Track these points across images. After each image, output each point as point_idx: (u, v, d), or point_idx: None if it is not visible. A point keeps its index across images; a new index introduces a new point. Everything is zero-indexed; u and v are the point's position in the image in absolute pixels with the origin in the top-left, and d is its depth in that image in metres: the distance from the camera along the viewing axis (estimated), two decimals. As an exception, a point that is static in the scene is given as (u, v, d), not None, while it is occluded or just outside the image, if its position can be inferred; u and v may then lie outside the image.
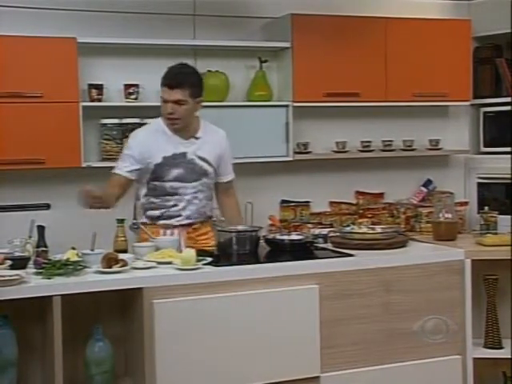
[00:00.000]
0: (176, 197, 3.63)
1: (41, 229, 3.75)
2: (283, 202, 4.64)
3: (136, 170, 3.60)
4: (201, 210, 3.69)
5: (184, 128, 3.61)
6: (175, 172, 3.60)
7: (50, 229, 3.85)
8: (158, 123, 3.66)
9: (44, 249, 3.46)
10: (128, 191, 3.67)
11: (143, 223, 3.66)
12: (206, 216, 3.74)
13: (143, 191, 3.69)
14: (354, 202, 4.79)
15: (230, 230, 3.59)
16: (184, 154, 3.61)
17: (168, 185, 3.61)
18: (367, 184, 4.80)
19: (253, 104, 4.43)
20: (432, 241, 3.92)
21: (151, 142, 3.59)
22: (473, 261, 3.63)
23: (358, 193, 4.81)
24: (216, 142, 3.71)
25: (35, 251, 3.32)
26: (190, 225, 3.67)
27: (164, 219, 3.65)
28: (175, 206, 3.64)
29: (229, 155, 3.78)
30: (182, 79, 3.53)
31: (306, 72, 4.40)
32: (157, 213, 3.66)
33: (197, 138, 3.66)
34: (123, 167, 3.60)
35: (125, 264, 3.11)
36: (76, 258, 3.11)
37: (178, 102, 3.52)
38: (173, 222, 3.64)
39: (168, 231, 3.62)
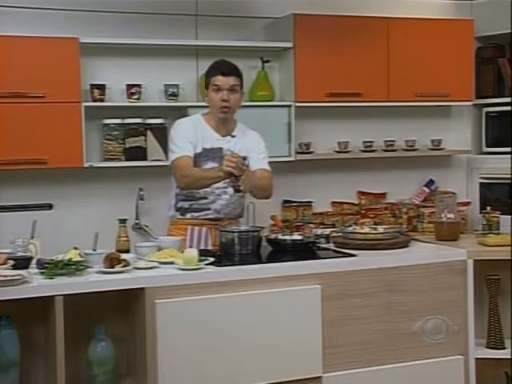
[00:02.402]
0: (206, 189, 3.64)
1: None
2: (285, 202, 4.63)
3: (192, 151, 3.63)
4: (230, 206, 3.71)
5: (226, 122, 3.69)
6: (210, 165, 3.64)
7: (53, 229, 3.85)
8: (198, 118, 3.74)
9: None
10: None
11: (173, 216, 3.73)
12: (237, 214, 3.76)
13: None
14: (356, 202, 4.78)
15: (232, 230, 3.59)
16: (220, 150, 3.67)
17: None
18: (369, 184, 4.79)
19: (255, 104, 4.42)
20: (434, 241, 3.92)
21: (195, 131, 3.65)
22: (475, 261, 3.63)
23: (360, 193, 4.80)
24: (249, 140, 3.77)
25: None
26: (218, 220, 3.68)
27: (192, 211, 3.68)
28: (204, 198, 3.67)
29: (261, 148, 3.78)
30: (234, 67, 3.69)
31: (308, 72, 4.39)
32: (186, 204, 3.70)
33: (233, 136, 3.72)
34: (185, 149, 3.60)
35: (127, 264, 3.12)
36: (78, 258, 3.12)
37: (231, 89, 3.62)
38: (201, 215, 3.66)
39: (196, 228, 3.64)
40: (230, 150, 3.67)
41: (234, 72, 3.67)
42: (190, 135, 3.64)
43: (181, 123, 3.75)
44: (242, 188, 3.44)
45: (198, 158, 3.64)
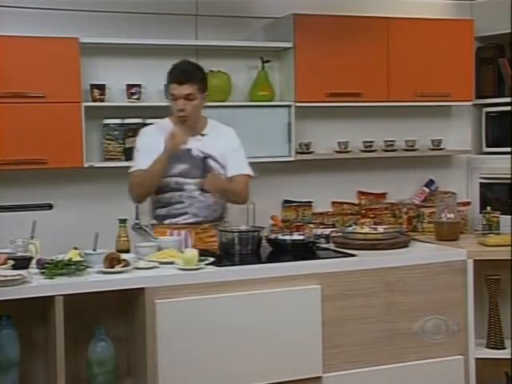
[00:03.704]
0: (180, 193, 3.61)
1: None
2: (285, 202, 4.64)
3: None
4: (209, 209, 3.66)
5: (192, 125, 3.62)
6: (179, 167, 3.59)
7: (53, 229, 3.86)
8: (165, 123, 3.66)
9: None
10: None
11: (152, 224, 3.69)
12: (216, 216, 3.70)
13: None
14: (356, 202, 4.78)
15: (232, 230, 3.59)
16: (189, 150, 3.60)
17: (173, 180, 3.59)
18: (369, 184, 4.80)
19: (255, 104, 4.43)
20: (434, 241, 3.92)
21: (158, 140, 3.56)
22: (475, 261, 3.63)
23: (360, 193, 4.80)
24: (222, 139, 3.69)
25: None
26: (198, 223, 3.64)
27: (170, 217, 3.64)
28: (180, 202, 3.63)
29: (235, 150, 3.70)
30: (190, 74, 3.56)
31: (308, 72, 4.39)
32: (163, 211, 3.66)
33: (202, 135, 3.66)
34: (142, 163, 3.57)
35: (127, 264, 3.12)
36: (78, 258, 3.12)
37: (187, 97, 3.53)
38: (179, 220, 3.63)
39: (175, 232, 3.60)
40: (199, 149, 3.61)
41: (191, 79, 3.53)
42: (153, 145, 3.54)
43: (144, 133, 3.70)
44: (206, 188, 3.45)
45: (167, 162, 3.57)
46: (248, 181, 3.69)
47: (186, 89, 3.52)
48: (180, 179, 3.60)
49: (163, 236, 3.58)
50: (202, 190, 3.55)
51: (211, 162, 3.64)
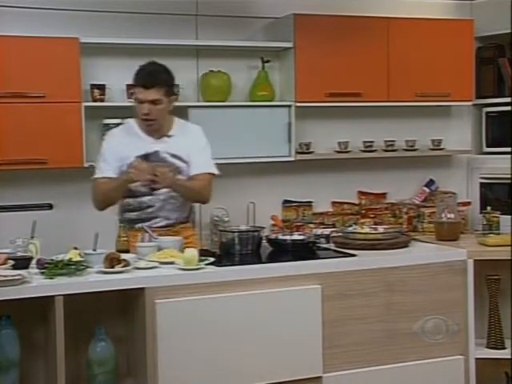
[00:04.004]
0: (150, 197, 3.57)
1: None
2: (285, 202, 4.63)
3: (116, 170, 3.53)
4: (179, 210, 3.63)
5: (158, 128, 3.57)
6: None
7: (53, 229, 3.85)
8: (130, 124, 3.63)
9: None
10: None
11: (123, 227, 3.56)
12: (186, 216, 3.68)
13: None
14: (357, 202, 4.78)
15: (232, 230, 3.59)
16: (156, 153, 3.56)
17: (142, 184, 3.52)
18: (369, 184, 4.79)
19: (255, 104, 4.43)
20: (434, 241, 3.93)
21: (125, 143, 3.55)
22: (475, 261, 3.63)
23: (361, 193, 4.80)
24: (189, 137, 3.63)
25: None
26: (170, 226, 3.60)
27: (141, 221, 3.58)
28: (150, 206, 3.59)
29: (200, 148, 3.62)
30: (157, 78, 3.47)
31: (309, 72, 4.39)
32: (133, 215, 3.60)
33: (169, 137, 3.60)
34: (106, 170, 3.54)
35: (127, 264, 3.12)
36: (78, 258, 3.12)
37: (153, 102, 3.46)
38: (151, 224, 3.57)
39: (146, 235, 3.47)
40: (166, 151, 3.56)
41: (157, 84, 3.44)
42: (118, 150, 3.51)
43: (110, 137, 3.63)
44: (157, 186, 3.42)
45: None
46: (211, 179, 3.60)
47: (151, 94, 3.45)
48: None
49: (135, 239, 3.48)
50: (152, 189, 3.50)
51: (179, 163, 3.58)
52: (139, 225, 3.57)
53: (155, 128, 3.55)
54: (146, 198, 3.58)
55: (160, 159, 3.54)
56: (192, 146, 3.61)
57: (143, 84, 3.46)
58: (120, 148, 3.54)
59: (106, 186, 3.52)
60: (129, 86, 4.17)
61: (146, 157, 3.52)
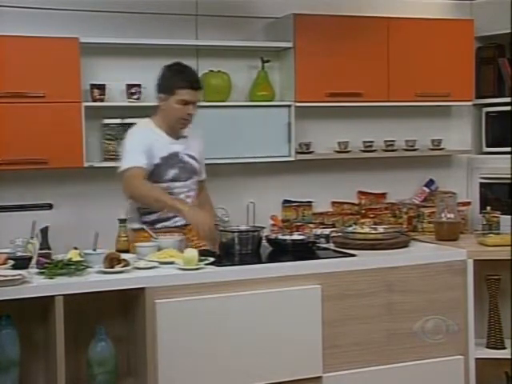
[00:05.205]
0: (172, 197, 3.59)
1: (44, 231, 3.74)
2: (285, 202, 4.63)
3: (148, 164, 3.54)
4: None
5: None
6: (171, 172, 3.59)
7: (53, 229, 3.85)
8: (148, 125, 3.64)
9: (48, 251, 3.43)
10: None
11: (138, 229, 3.58)
12: None
13: None
14: (357, 202, 4.78)
15: (232, 230, 3.59)
16: (177, 154, 3.62)
17: (165, 185, 3.57)
18: (369, 184, 4.79)
19: (255, 104, 4.43)
20: (434, 241, 3.93)
21: (150, 142, 3.56)
22: (475, 261, 3.63)
23: (361, 193, 4.80)
24: (198, 140, 3.74)
25: (38, 253, 3.30)
26: (187, 225, 3.61)
27: (161, 221, 3.60)
28: None
29: (203, 154, 3.79)
30: (200, 80, 3.67)
31: (309, 72, 4.39)
32: (153, 216, 3.61)
33: (184, 137, 3.67)
34: (138, 160, 3.49)
35: (127, 264, 3.12)
36: (78, 258, 3.12)
37: (195, 103, 3.58)
38: (170, 223, 3.60)
39: (168, 235, 3.52)
40: (184, 152, 3.63)
41: (202, 85, 3.67)
42: (145, 146, 3.52)
43: (134, 134, 3.62)
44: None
45: (160, 168, 3.56)
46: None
47: (197, 95, 3.59)
48: (171, 184, 3.59)
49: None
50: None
51: (194, 164, 3.69)
52: (159, 225, 3.60)
53: (186, 128, 3.64)
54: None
55: (180, 160, 3.62)
56: (200, 147, 3.74)
57: (192, 86, 3.56)
58: (146, 143, 3.55)
59: (145, 188, 3.47)
60: (129, 86, 4.19)
61: (169, 158, 3.58)
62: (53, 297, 2.89)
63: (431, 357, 3.54)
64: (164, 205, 3.47)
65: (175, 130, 3.63)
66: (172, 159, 3.60)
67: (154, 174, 3.55)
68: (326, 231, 3.97)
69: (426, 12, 4.78)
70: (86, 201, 4.24)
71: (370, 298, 3.43)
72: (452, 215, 3.95)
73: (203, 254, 3.33)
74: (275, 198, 4.58)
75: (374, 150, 4.66)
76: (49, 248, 3.60)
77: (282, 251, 3.61)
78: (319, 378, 3.33)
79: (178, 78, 3.57)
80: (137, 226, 3.60)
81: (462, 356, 3.62)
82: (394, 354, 3.47)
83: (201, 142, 3.76)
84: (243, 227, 3.67)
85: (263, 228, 3.68)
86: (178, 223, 3.61)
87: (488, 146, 4.93)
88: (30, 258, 3.18)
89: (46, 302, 2.94)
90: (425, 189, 4.88)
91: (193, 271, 3.16)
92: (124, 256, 3.18)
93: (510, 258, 3.60)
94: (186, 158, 3.65)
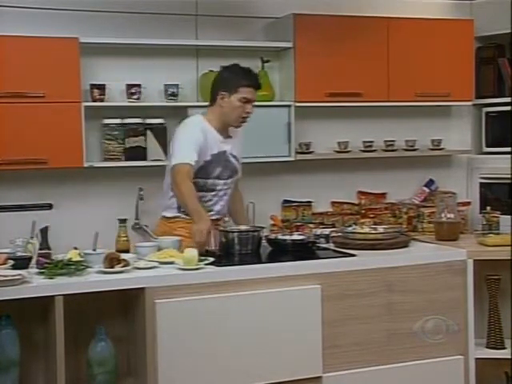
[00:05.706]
0: (212, 193, 3.70)
1: (44, 231, 3.75)
2: (285, 202, 4.63)
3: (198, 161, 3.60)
4: (226, 205, 3.78)
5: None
6: (218, 170, 3.68)
7: (53, 229, 3.86)
8: (202, 122, 3.69)
9: (48, 251, 3.43)
10: None
11: (177, 217, 3.68)
12: (226, 210, 3.82)
13: None
14: (356, 202, 4.78)
15: (232, 230, 3.59)
16: (224, 152, 3.72)
17: (210, 181, 3.67)
18: (369, 184, 4.79)
19: (255, 104, 4.41)
20: (434, 241, 3.92)
21: (204, 139, 3.62)
22: (475, 261, 3.63)
23: (360, 193, 4.80)
24: (240, 140, 3.83)
25: (38, 253, 3.30)
26: (218, 220, 3.69)
27: None
28: (209, 201, 3.69)
29: (241, 154, 3.88)
30: (259, 80, 3.76)
31: (308, 72, 4.39)
32: None
33: (231, 137, 3.76)
34: (191, 156, 3.54)
35: (127, 264, 3.12)
36: (78, 258, 3.12)
37: (253, 102, 3.68)
38: None
39: None
40: (230, 152, 3.73)
41: (261, 85, 3.77)
42: (199, 143, 3.58)
43: (189, 130, 3.64)
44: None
45: (210, 165, 3.64)
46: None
47: (256, 94, 3.71)
48: (216, 181, 3.69)
49: (188, 230, 3.53)
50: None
51: (237, 164, 3.80)
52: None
53: (241, 126, 3.73)
54: (209, 194, 3.69)
55: (225, 159, 3.71)
56: (240, 149, 3.83)
57: (254, 85, 3.68)
58: (201, 141, 3.60)
59: (183, 186, 3.48)
60: (129, 86, 4.19)
61: (218, 156, 3.67)
62: (53, 297, 2.89)
63: (431, 357, 3.54)
64: (186, 208, 3.54)
65: (229, 128, 3.72)
66: (220, 157, 3.68)
67: (203, 169, 3.63)
68: (326, 231, 3.97)
69: (426, 12, 4.78)
70: (86, 201, 4.24)
71: (370, 298, 3.43)
72: (452, 215, 3.95)
73: (203, 253, 3.33)
74: (275, 198, 4.59)
75: (374, 150, 4.66)
76: (49, 248, 3.61)
77: (282, 251, 3.61)
78: (319, 378, 3.33)
79: (242, 77, 3.66)
80: (171, 214, 3.70)
81: (461, 356, 3.62)
82: (394, 354, 3.47)
83: (241, 143, 3.84)
84: (243, 227, 3.67)
85: (263, 228, 3.68)
86: (212, 217, 3.62)
87: (488, 146, 4.93)
88: (29, 258, 3.18)
89: (45, 302, 2.94)
90: (425, 189, 4.88)
91: (193, 271, 3.16)
92: (124, 256, 3.18)
93: (509, 257, 3.59)
94: (231, 158, 3.75)
